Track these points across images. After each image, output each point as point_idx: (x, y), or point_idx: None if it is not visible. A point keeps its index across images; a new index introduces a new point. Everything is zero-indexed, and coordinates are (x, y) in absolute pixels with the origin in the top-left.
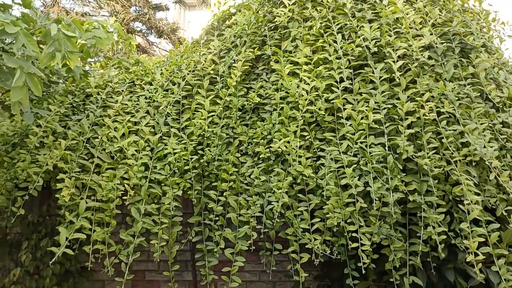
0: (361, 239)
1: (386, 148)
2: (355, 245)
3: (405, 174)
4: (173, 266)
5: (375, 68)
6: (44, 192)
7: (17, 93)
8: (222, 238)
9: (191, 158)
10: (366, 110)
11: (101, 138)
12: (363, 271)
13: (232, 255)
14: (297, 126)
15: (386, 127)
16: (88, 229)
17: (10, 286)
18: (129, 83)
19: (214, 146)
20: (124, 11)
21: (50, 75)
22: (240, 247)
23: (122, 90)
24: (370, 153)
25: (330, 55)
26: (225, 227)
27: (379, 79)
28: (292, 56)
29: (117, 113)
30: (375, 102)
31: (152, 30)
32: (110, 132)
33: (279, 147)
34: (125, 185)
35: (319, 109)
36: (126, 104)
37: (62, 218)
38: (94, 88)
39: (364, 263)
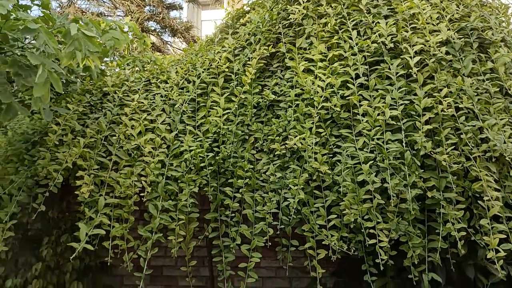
0: (379, 236)
1: (404, 144)
2: (372, 241)
3: (423, 170)
4: (190, 261)
5: (392, 64)
6: (64, 189)
7: (40, 89)
8: (238, 234)
9: (207, 155)
10: (383, 106)
11: (119, 136)
12: (381, 268)
13: (248, 251)
14: (312, 123)
15: (403, 123)
16: (107, 225)
17: (32, 280)
18: (145, 81)
19: (230, 143)
20: (138, 10)
21: (69, 74)
22: (256, 243)
23: (138, 89)
24: (387, 149)
25: (345, 52)
26: (241, 224)
27: (396, 75)
28: (307, 53)
29: (134, 111)
30: (392, 98)
31: (166, 29)
32: (127, 130)
33: (294, 144)
34: (143, 182)
35: (335, 105)
36: (142, 103)
37: (82, 215)
38: (111, 87)
39: (382, 260)
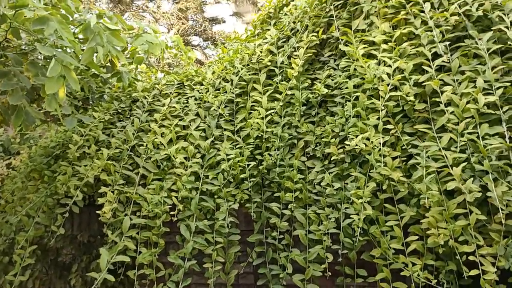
0: (482, 264)
1: (507, 139)
2: (474, 272)
3: None
4: None
5: (480, 38)
6: (96, 209)
7: (52, 85)
8: (289, 261)
9: (248, 165)
10: (473, 92)
11: (147, 145)
12: None
13: (302, 283)
14: (378, 118)
15: (503, 112)
16: (133, 251)
17: None
18: (177, 84)
19: (275, 150)
20: (179, 23)
21: (101, 85)
22: (312, 273)
23: (170, 92)
24: (485, 146)
25: (416, 29)
26: (292, 247)
27: (487, 51)
28: (367, 36)
29: (164, 117)
30: (485, 81)
31: (208, 42)
32: (156, 138)
33: (356, 146)
34: (173, 198)
35: (407, 94)
36: (174, 107)
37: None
38: (140, 92)
39: None
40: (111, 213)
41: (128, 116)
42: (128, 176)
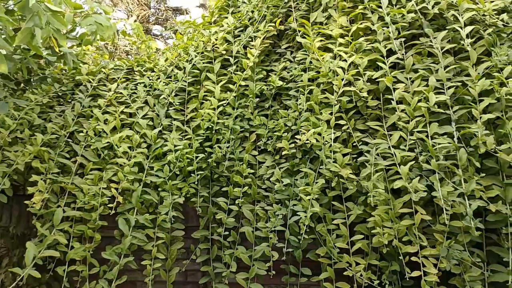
0: (424, 266)
1: (455, 139)
2: (416, 273)
3: (480, 174)
4: None
5: (434, 37)
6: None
7: None
8: (233, 259)
9: (197, 157)
10: (425, 90)
11: (87, 132)
12: None
13: (246, 282)
14: (331, 114)
15: (453, 112)
16: (64, 245)
17: None
18: (127, 69)
19: (225, 142)
20: (139, 7)
21: (45, 66)
22: (256, 271)
23: (118, 77)
24: (433, 145)
25: (373, 24)
26: (239, 245)
27: (441, 50)
28: (324, 29)
29: (109, 103)
30: (437, 80)
31: (170, 31)
32: (98, 125)
33: (307, 140)
34: (112, 189)
35: (360, 90)
36: (121, 93)
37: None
38: (85, 76)
39: None
40: (42, 203)
41: (70, 100)
42: (64, 165)
